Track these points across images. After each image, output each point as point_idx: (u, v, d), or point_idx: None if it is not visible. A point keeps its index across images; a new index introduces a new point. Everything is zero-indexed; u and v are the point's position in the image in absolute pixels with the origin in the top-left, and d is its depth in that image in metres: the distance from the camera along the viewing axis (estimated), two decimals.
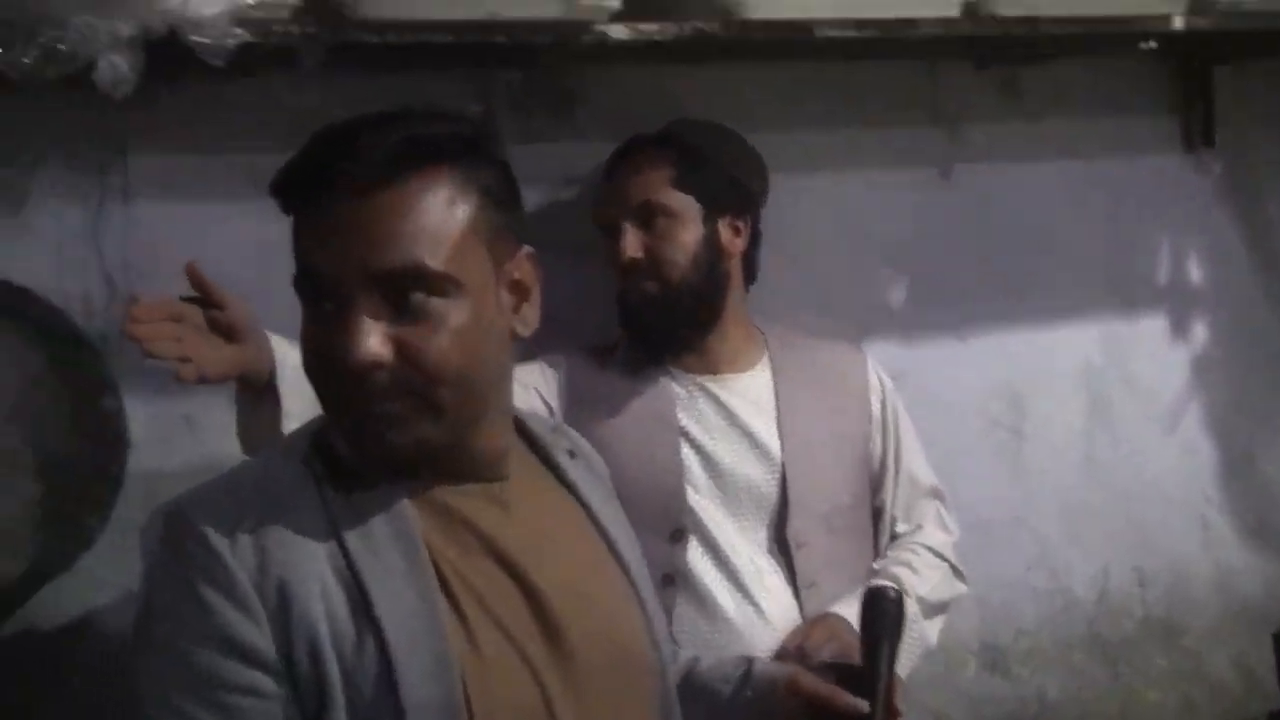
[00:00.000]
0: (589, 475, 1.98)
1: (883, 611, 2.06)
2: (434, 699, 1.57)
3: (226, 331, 2.25)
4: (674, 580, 2.73)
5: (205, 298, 2.23)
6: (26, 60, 2.30)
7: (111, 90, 2.36)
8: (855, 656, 2.13)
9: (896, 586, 2.16)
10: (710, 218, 2.86)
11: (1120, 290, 3.76)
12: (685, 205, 2.83)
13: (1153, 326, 3.81)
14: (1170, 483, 3.83)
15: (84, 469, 2.84)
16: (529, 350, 2.92)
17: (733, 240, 2.90)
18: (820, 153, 3.43)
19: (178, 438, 2.95)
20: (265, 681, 1.55)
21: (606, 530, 1.91)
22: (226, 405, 2.86)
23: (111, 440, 2.84)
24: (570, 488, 1.91)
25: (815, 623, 2.69)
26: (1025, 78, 3.58)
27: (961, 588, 2.99)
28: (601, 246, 2.92)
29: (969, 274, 3.59)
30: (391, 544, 1.64)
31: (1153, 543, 3.81)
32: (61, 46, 2.30)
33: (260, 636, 1.55)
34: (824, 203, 3.43)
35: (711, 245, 2.85)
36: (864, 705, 1.99)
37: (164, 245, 2.88)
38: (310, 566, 1.60)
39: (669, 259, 2.82)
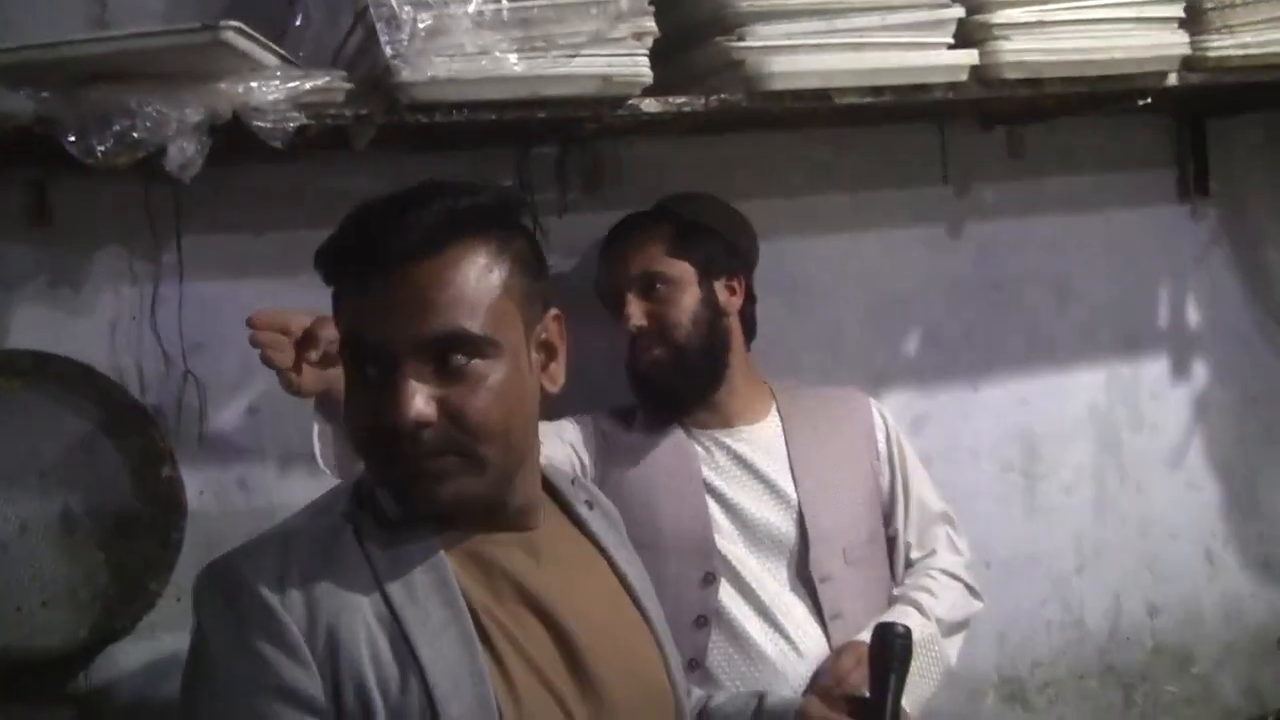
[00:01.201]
0: (605, 523, 2.07)
1: (889, 645, 2.15)
2: None
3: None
4: (708, 621, 2.83)
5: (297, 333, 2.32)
6: (101, 147, 2.41)
7: (179, 174, 2.47)
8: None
9: (904, 623, 2.23)
10: (706, 280, 2.97)
11: (1124, 335, 3.85)
12: (682, 271, 2.96)
13: (1156, 369, 3.89)
14: (1177, 518, 3.92)
15: (144, 534, 2.94)
16: (556, 410, 3.03)
17: (730, 299, 3.01)
18: (837, 214, 3.55)
19: (232, 500, 3.08)
20: None
21: (624, 575, 2.00)
22: (276, 468, 3.02)
23: (170, 506, 2.94)
24: (590, 536, 2.00)
25: (842, 651, 2.78)
26: (1029, 136, 3.67)
27: (978, 605, 3.06)
28: (609, 319, 3.03)
29: (980, 325, 3.69)
30: (431, 592, 1.72)
31: (1162, 575, 3.90)
32: (135, 134, 2.41)
33: (311, 683, 1.62)
34: (841, 261, 3.55)
35: (710, 305, 2.97)
36: None
37: (217, 321, 3.02)
38: (356, 615, 1.67)
39: (672, 321, 2.93)
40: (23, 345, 2.91)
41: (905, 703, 2.42)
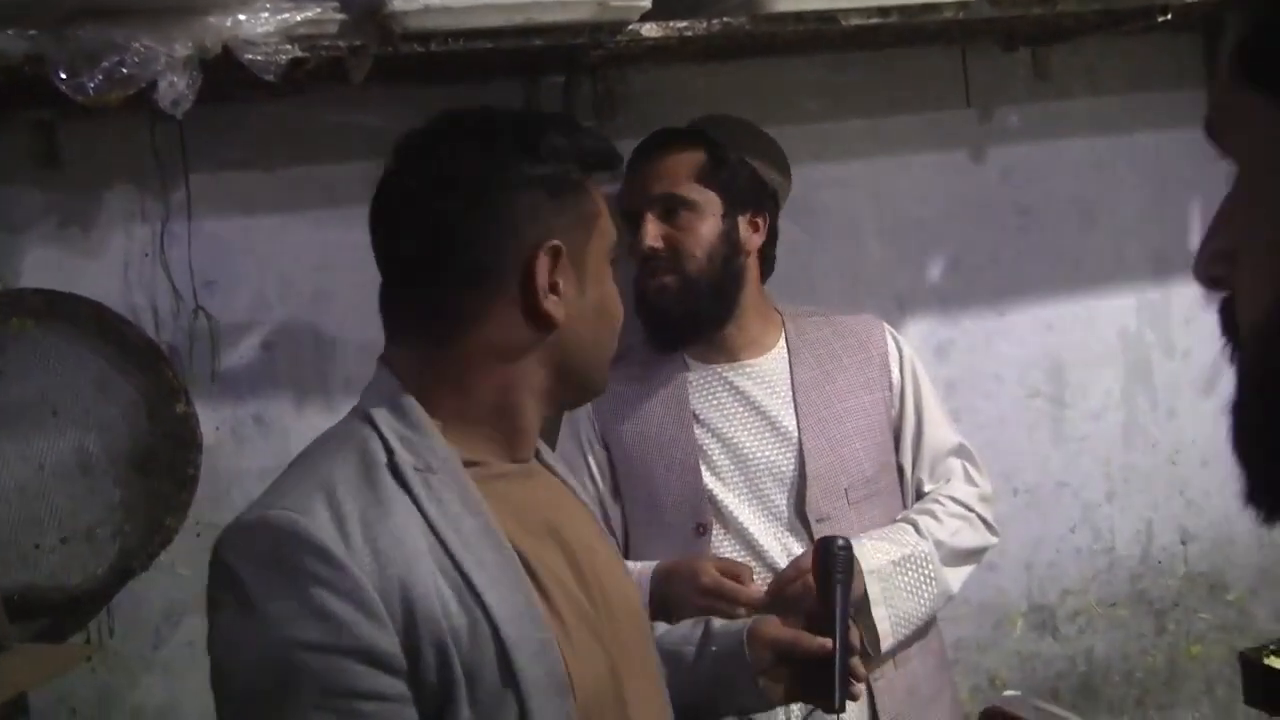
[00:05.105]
0: (551, 454, 2.03)
1: (830, 556, 2.19)
2: (546, 679, 1.61)
3: None
4: None
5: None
6: (91, 84, 2.42)
7: (171, 109, 2.48)
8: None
9: (845, 536, 2.26)
10: (731, 213, 2.88)
11: (1154, 258, 3.77)
12: (707, 199, 2.86)
13: (1187, 293, 3.78)
14: (1210, 444, 3.86)
15: (160, 471, 2.96)
16: None
17: (751, 236, 2.91)
18: (856, 140, 3.50)
19: (248, 436, 3.10)
20: (392, 685, 1.55)
21: (582, 500, 2.00)
22: (292, 403, 3.06)
23: (185, 442, 2.96)
24: (546, 465, 1.97)
25: (788, 566, 2.73)
26: (1053, 57, 3.59)
27: (991, 539, 2.96)
28: (623, 235, 2.97)
29: (1005, 250, 3.63)
30: (479, 537, 1.66)
31: (1194, 501, 3.84)
32: (124, 70, 2.42)
33: (389, 641, 1.54)
34: (861, 187, 3.50)
35: (730, 240, 2.87)
36: (827, 643, 2.08)
37: (228, 258, 3.05)
38: (422, 564, 1.59)
39: (687, 251, 2.84)
40: (34, 286, 2.93)
41: (889, 618, 2.60)
